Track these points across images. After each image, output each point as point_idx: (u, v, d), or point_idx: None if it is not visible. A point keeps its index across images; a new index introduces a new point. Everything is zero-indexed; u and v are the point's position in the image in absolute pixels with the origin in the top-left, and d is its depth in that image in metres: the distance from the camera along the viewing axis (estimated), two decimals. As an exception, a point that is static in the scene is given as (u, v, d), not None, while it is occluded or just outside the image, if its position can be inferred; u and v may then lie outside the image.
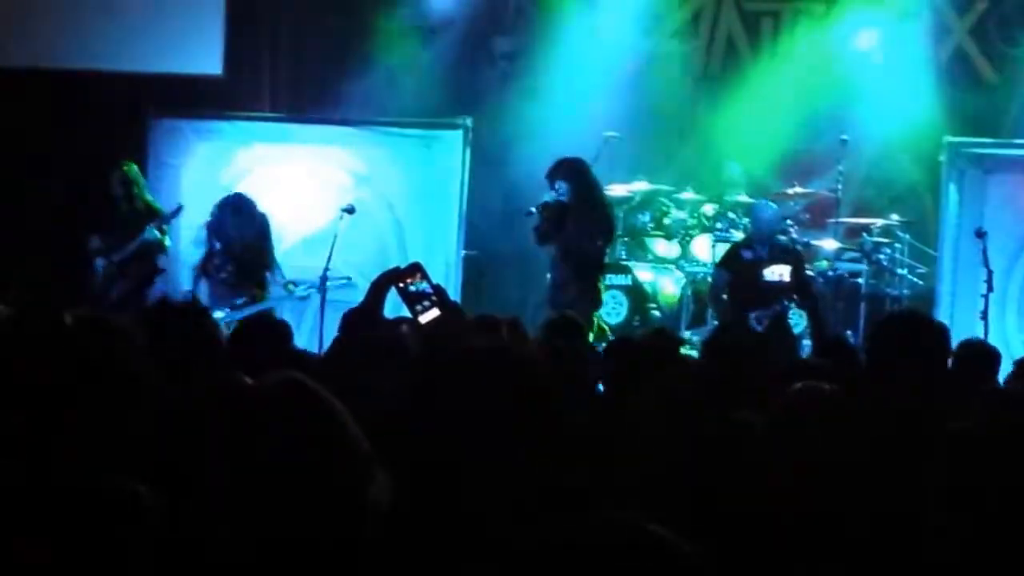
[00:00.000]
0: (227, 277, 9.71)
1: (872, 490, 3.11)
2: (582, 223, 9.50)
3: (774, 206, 10.39)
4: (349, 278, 9.75)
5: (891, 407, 3.85)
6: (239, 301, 9.48)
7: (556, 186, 9.56)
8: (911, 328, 4.39)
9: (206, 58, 11.80)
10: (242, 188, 10.42)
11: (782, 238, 10.41)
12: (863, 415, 3.38)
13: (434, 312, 4.33)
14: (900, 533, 3.13)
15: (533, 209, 9.69)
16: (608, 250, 9.98)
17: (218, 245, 9.81)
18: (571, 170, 9.59)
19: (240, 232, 9.77)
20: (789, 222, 10.89)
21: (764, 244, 10.00)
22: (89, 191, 10.48)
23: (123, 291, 10.00)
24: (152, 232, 10.07)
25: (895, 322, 4.87)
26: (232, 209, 9.86)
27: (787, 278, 9.75)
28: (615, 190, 11.31)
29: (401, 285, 4.41)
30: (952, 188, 10.55)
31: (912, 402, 3.95)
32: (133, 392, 3.26)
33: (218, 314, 9.01)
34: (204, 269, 9.80)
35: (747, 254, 9.97)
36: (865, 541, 3.05)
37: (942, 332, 4.51)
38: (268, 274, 9.81)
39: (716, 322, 10.26)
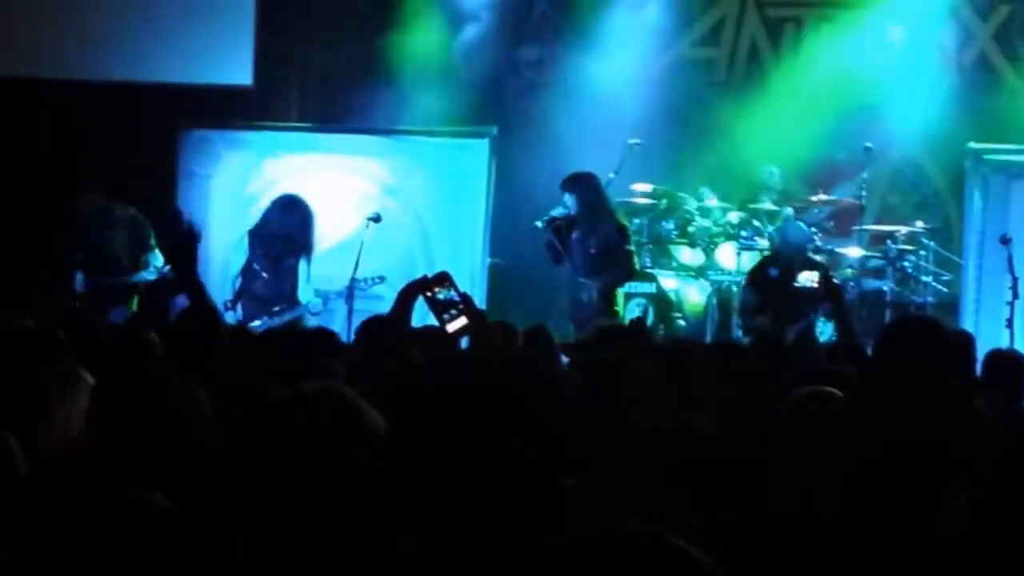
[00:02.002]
0: (261, 287, 9.61)
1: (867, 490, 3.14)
2: (591, 235, 9.53)
3: (804, 227, 10.31)
4: (383, 277, 9.64)
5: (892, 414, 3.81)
6: (275, 309, 9.49)
7: (564, 200, 9.61)
8: (913, 336, 4.29)
9: (236, 69, 11.89)
10: (272, 197, 10.38)
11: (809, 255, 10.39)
12: (864, 419, 3.38)
13: (461, 320, 4.40)
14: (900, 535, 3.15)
15: (538, 224, 9.73)
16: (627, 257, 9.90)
17: (259, 251, 9.74)
18: (577, 184, 9.61)
19: (283, 227, 9.57)
20: (814, 230, 10.88)
21: (791, 261, 9.98)
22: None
23: (121, 322, 9.03)
24: (151, 273, 9.71)
25: (898, 329, 4.74)
26: (281, 205, 9.73)
27: (817, 284, 9.71)
28: (639, 197, 11.36)
29: (429, 294, 4.48)
30: (976, 194, 10.49)
31: (916, 408, 3.90)
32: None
33: (255, 323, 9.07)
34: (242, 279, 9.70)
35: (774, 272, 9.91)
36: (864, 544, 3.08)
37: (952, 341, 4.39)
38: (303, 282, 9.70)
39: (740, 333, 10.23)
